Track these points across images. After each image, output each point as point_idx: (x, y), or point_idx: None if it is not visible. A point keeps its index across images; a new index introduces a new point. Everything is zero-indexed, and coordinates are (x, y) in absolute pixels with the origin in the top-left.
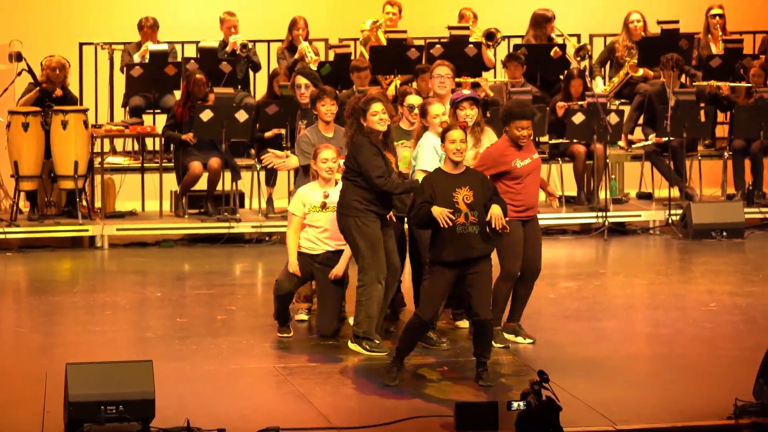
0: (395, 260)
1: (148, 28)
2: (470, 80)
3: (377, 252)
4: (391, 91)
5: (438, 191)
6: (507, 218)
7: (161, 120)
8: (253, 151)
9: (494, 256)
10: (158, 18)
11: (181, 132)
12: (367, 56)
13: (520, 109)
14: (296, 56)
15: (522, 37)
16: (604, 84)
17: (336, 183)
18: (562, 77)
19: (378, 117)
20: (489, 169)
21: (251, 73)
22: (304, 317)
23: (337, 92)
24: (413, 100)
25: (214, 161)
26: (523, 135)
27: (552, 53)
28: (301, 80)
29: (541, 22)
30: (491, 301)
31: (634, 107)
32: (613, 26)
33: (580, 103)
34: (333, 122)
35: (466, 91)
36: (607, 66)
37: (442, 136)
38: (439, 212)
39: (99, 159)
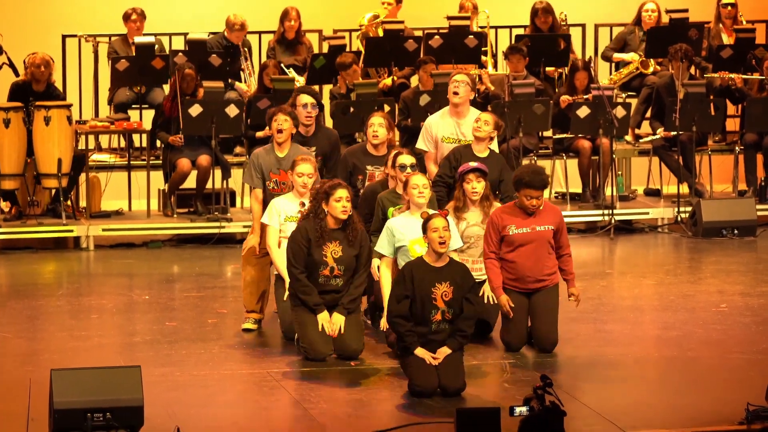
0: (349, 343)
1: (138, 15)
2: (471, 72)
3: (306, 329)
4: (387, 82)
5: (417, 284)
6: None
7: (148, 115)
8: (238, 149)
9: None
10: (144, 9)
11: (170, 128)
12: (363, 50)
13: (530, 177)
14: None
15: (524, 27)
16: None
17: None
18: (564, 70)
19: (342, 204)
20: (489, 234)
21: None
22: (251, 326)
23: (331, 85)
24: (405, 159)
25: (204, 158)
26: (533, 204)
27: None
28: (307, 99)
29: (534, 14)
30: (463, 372)
31: (641, 100)
32: (621, 16)
33: (585, 96)
34: (289, 140)
35: (473, 163)
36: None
37: (424, 227)
38: (422, 353)
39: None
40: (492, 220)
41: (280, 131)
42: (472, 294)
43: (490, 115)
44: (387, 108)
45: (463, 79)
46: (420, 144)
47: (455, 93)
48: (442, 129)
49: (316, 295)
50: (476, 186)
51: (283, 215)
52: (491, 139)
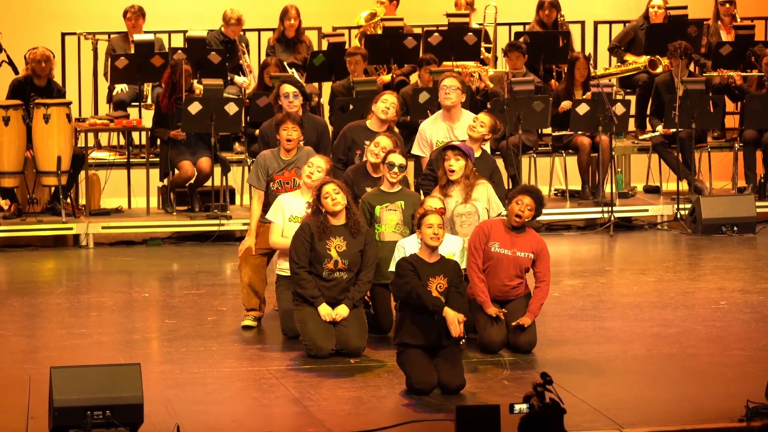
0: (352, 339)
1: (133, 14)
2: (470, 69)
3: (306, 326)
4: (387, 78)
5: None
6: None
7: (147, 113)
8: (237, 146)
9: None
10: (143, 6)
11: (168, 125)
12: (362, 46)
13: (530, 187)
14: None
15: (524, 24)
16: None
17: None
18: (559, 67)
19: (330, 199)
20: (476, 242)
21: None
22: (251, 324)
23: (332, 83)
24: (395, 158)
25: (204, 161)
26: (520, 210)
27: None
28: (289, 88)
29: (540, 6)
30: (462, 369)
31: (639, 96)
32: (621, 13)
33: (584, 96)
34: (297, 146)
35: (456, 142)
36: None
37: (419, 222)
38: (453, 316)
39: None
40: (481, 227)
41: (289, 140)
42: (462, 287)
43: (488, 117)
44: None
45: (452, 84)
46: (415, 149)
47: (447, 97)
48: (436, 133)
49: (315, 288)
50: (453, 164)
51: (288, 213)
52: (485, 140)
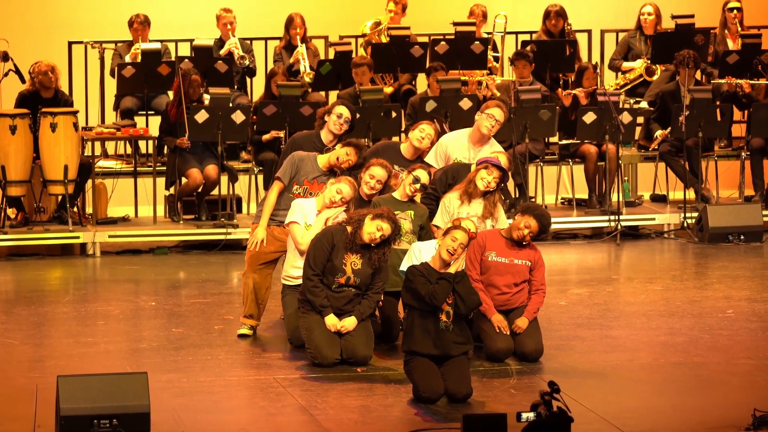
0: (358, 348)
1: (139, 24)
2: (477, 77)
3: (312, 334)
4: (388, 90)
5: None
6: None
7: (154, 122)
8: (244, 155)
9: None
10: (149, 15)
11: (175, 133)
12: (368, 55)
13: (541, 213)
14: (291, 60)
15: (530, 33)
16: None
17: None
18: (569, 75)
19: (371, 233)
20: (472, 254)
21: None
22: (247, 332)
23: (338, 91)
24: (422, 174)
25: (212, 169)
26: (522, 234)
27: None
28: (345, 111)
29: (546, 16)
30: (470, 378)
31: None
32: (627, 21)
33: (590, 91)
34: None
35: (502, 157)
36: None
37: (447, 229)
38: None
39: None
40: (477, 239)
41: (341, 163)
42: (466, 275)
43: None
44: (393, 114)
45: (501, 118)
46: (430, 158)
47: (491, 129)
48: (457, 151)
49: (325, 297)
50: (493, 182)
51: (303, 220)
52: None
